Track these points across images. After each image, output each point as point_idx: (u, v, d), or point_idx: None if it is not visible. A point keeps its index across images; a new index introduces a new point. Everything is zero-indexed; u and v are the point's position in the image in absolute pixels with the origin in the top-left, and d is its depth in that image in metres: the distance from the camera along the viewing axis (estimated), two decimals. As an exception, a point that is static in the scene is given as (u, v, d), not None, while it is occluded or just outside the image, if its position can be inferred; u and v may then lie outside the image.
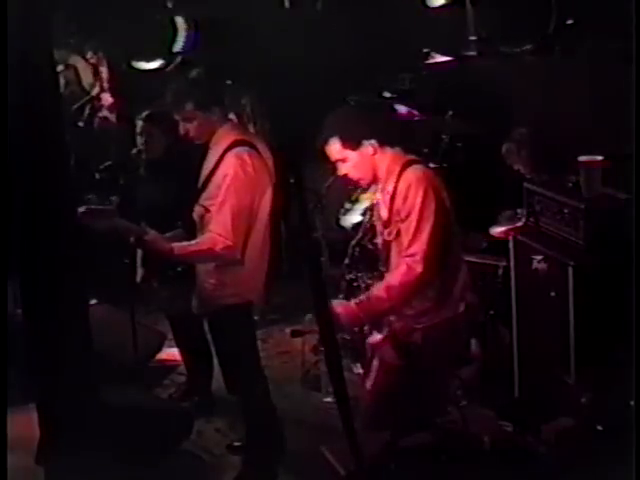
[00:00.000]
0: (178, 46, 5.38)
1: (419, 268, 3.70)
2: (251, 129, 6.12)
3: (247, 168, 4.12)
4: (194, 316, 4.93)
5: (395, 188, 3.89)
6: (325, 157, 4.11)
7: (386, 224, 3.98)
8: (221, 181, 4.12)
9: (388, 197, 3.93)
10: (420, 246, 3.70)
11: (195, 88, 4.33)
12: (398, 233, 3.85)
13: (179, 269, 4.50)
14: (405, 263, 3.75)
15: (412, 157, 4.01)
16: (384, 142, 3.88)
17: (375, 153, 3.92)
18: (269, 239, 4.29)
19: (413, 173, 3.85)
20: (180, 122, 4.31)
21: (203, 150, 4.34)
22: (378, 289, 3.84)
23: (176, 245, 4.17)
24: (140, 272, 4.96)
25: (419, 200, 3.74)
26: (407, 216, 3.76)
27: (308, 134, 3.80)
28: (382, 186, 3.97)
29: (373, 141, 3.87)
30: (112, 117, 6.58)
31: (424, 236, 3.71)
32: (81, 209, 4.18)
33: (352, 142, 3.87)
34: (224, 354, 4.41)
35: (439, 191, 3.83)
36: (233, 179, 4.10)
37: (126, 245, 4.41)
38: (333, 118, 3.97)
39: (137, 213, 5.01)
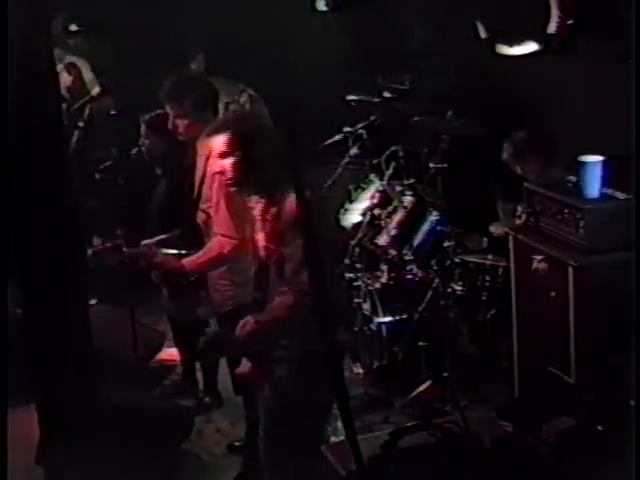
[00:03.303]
0: (552, 28, 5.30)
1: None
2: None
3: None
4: (198, 318, 4.93)
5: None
6: (326, 157, 4.11)
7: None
8: (211, 182, 4.11)
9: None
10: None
11: (194, 86, 4.32)
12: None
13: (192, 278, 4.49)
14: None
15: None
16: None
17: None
18: None
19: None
20: (171, 116, 4.31)
21: (192, 154, 4.34)
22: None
23: (186, 261, 4.15)
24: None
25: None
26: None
27: (307, 134, 3.80)
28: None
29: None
30: (112, 117, 6.57)
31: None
32: (89, 252, 4.18)
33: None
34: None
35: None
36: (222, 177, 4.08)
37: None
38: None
39: (135, 213, 5.02)
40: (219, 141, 3.56)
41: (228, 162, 3.55)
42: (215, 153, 3.60)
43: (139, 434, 3.76)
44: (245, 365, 3.75)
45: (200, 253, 4.17)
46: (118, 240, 4.26)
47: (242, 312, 4.20)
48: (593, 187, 4.26)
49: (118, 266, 4.36)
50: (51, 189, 2.81)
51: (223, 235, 4.05)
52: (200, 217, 4.25)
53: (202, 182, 4.21)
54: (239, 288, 4.20)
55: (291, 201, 3.32)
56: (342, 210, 5.78)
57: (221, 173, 3.61)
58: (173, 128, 4.31)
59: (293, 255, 3.34)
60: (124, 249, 4.25)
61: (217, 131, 3.59)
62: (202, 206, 4.21)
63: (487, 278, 5.29)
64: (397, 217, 5.44)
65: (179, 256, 4.23)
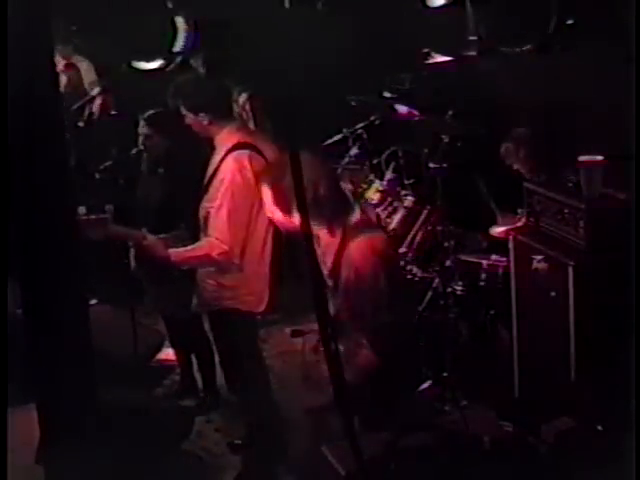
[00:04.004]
0: (178, 46, 5.40)
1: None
2: (251, 128, 6.13)
3: (246, 173, 4.09)
4: (190, 316, 4.95)
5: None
6: (326, 157, 4.14)
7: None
8: (219, 185, 4.11)
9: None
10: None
11: (183, 91, 4.31)
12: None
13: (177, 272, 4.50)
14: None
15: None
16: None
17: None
18: (271, 244, 4.28)
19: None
20: (185, 114, 4.32)
21: (210, 149, 4.34)
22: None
23: (173, 251, 4.15)
24: (133, 262, 4.93)
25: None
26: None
27: (308, 134, 3.80)
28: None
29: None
30: (112, 117, 6.58)
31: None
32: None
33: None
34: (224, 355, 4.42)
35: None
36: (230, 183, 4.07)
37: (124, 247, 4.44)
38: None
39: (137, 213, 5.02)
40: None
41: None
42: None
43: (139, 434, 3.76)
44: None
45: (189, 248, 4.18)
46: (105, 214, 4.25)
47: (226, 315, 4.23)
48: (593, 187, 4.26)
49: (102, 240, 4.35)
50: (51, 189, 2.81)
51: (216, 239, 4.06)
52: (202, 212, 4.25)
53: (212, 178, 4.21)
54: (225, 291, 4.21)
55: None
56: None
57: None
58: (188, 125, 4.31)
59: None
60: (110, 225, 4.24)
61: None
62: (205, 204, 4.21)
63: (487, 278, 5.29)
64: (397, 217, 5.44)
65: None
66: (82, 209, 4.20)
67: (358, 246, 3.39)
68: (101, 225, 4.19)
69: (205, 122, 4.22)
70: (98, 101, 6.53)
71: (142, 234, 4.26)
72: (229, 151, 4.16)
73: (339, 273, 3.43)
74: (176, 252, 4.16)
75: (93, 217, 4.18)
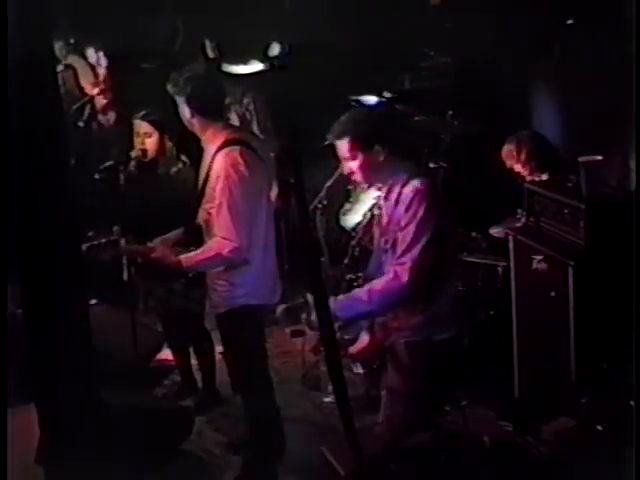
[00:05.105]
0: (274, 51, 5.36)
1: (405, 277, 3.62)
2: (254, 129, 6.12)
3: (239, 167, 4.05)
4: (188, 315, 4.93)
5: (399, 196, 3.78)
6: (326, 157, 4.11)
7: (383, 232, 3.90)
8: (215, 183, 4.09)
9: (391, 205, 3.82)
10: (411, 256, 3.64)
11: (177, 79, 4.27)
12: (394, 242, 3.76)
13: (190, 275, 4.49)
14: (393, 270, 3.69)
15: (416, 170, 3.93)
16: (395, 150, 3.79)
17: (385, 160, 3.79)
18: (273, 234, 4.27)
19: (413, 187, 3.76)
20: (182, 111, 4.29)
21: (199, 151, 4.33)
22: (361, 290, 3.80)
23: (184, 257, 4.13)
24: (126, 271, 4.90)
25: (421, 211, 3.67)
26: (406, 225, 3.68)
27: (309, 134, 3.80)
28: (385, 194, 3.86)
29: (382, 147, 3.76)
30: (112, 117, 6.58)
31: (418, 247, 3.64)
32: (84, 246, 4.05)
33: (362, 144, 3.76)
34: (232, 353, 4.39)
35: (440, 205, 3.77)
36: (226, 180, 4.04)
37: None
38: (349, 117, 3.85)
39: (135, 214, 5.01)
40: (342, 147, 3.77)
41: (354, 165, 3.75)
42: (341, 157, 3.82)
43: (139, 434, 3.76)
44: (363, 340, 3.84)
45: (198, 251, 4.15)
46: (114, 236, 4.24)
47: (238, 313, 4.23)
48: (593, 187, 4.26)
49: (113, 261, 4.36)
50: (51, 189, 2.82)
51: (224, 237, 4.04)
52: (202, 216, 4.23)
53: (206, 180, 4.19)
54: (237, 289, 4.20)
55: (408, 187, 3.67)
56: (342, 210, 5.78)
57: (351, 174, 3.82)
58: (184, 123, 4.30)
59: (406, 235, 3.62)
60: (121, 245, 4.24)
61: (338, 136, 3.78)
62: (205, 205, 4.19)
63: (487, 278, 5.28)
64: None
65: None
66: (91, 234, 4.20)
67: (402, 198, 3.69)
68: (111, 247, 4.20)
69: (187, 115, 4.19)
70: (97, 101, 6.52)
71: (148, 247, 4.25)
72: (219, 149, 4.13)
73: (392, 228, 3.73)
74: (187, 257, 4.14)
75: (104, 241, 4.18)
